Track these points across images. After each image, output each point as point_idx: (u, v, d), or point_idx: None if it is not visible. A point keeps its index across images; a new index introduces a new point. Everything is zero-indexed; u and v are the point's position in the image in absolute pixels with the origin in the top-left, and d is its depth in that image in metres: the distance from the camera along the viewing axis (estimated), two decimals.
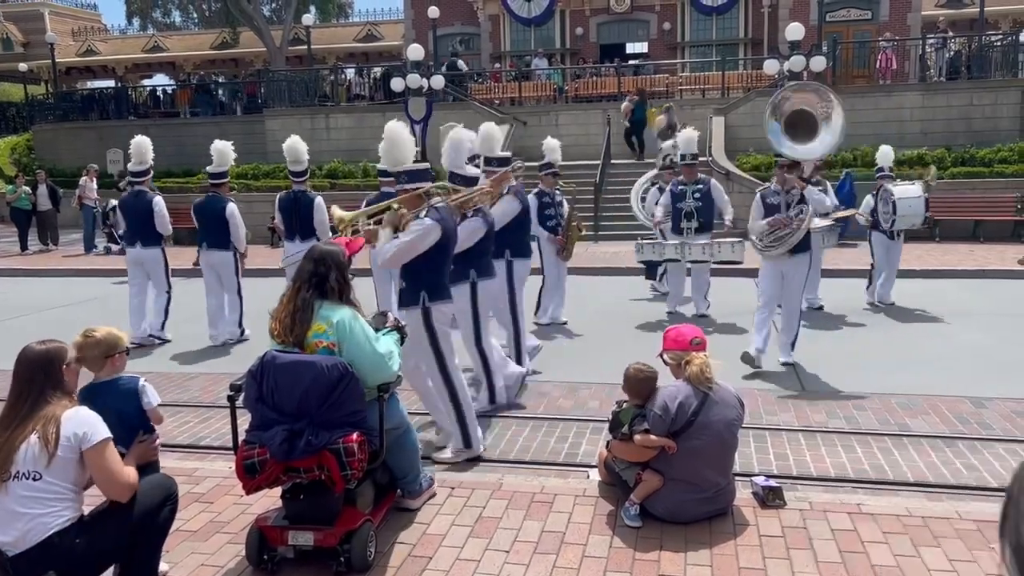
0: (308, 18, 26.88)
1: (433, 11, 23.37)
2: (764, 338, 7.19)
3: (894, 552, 3.73)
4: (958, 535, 3.86)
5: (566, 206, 9.08)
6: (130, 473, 3.25)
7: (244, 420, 3.74)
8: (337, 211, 5.22)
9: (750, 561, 3.69)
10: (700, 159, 10.36)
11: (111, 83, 35.87)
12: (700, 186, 9.26)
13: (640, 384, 4.26)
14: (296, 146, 8.86)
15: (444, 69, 22.47)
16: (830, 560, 3.67)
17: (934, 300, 10.09)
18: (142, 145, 8.94)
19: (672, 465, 4.05)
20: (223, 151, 8.80)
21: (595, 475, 4.67)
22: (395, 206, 5.01)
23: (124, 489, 3.20)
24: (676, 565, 3.67)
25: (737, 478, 4.40)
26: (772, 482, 4.33)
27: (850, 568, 3.60)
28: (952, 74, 20.95)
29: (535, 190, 8.92)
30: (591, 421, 5.91)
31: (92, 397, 3.58)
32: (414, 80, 18.33)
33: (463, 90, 22.88)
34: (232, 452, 3.78)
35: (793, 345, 7.36)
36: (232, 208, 8.77)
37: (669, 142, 11.01)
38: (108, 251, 16.86)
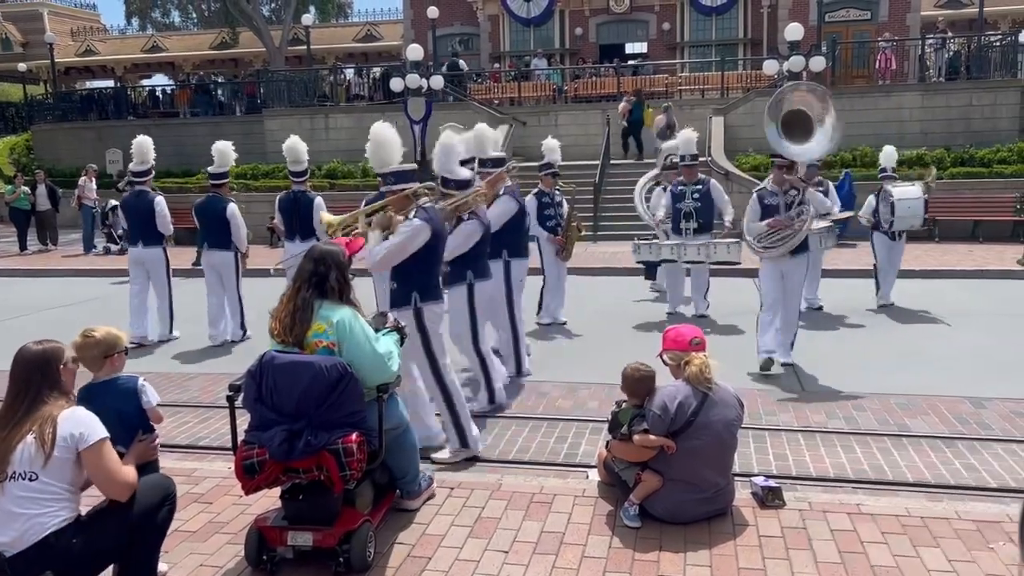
0: (307, 18, 26.88)
1: (432, 11, 23.38)
2: (771, 338, 7.17)
3: (893, 552, 3.72)
4: (957, 535, 3.86)
5: (566, 206, 9.08)
6: (129, 472, 3.25)
7: (243, 420, 3.73)
8: (325, 215, 5.22)
9: (749, 561, 3.68)
10: (700, 159, 10.36)
11: (110, 83, 35.89)
12: (699, 186, 9.26)
13: (637, 383, 4.26)
14: (296, 146, 8.87)
15: (445, 69, 22.48)
16: (829, 560, 3.67)
17: (933, 300, 10.09)
18: (144, 145, 8.95)
19: (671, 465, 4.05)
20: (224, 152, 8.82)
21: (594, 475, 4.66)
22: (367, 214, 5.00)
23: (123, 488, 3.20)
24: (675, 565, 3.67)
25: (736, 478, 4.40)
26: (771, 482, 4.33)
27: (849, 568, 3.60)
28: (951, 74, 20.96)
29: (535, 190, 8.93)
30: (590, 421, 5.91)
31: (91, 397, 3.58)
32: (413, 80, 18.34)
33: (463, 90, 22.89)
34: (231, 452, 3.77)
35: (792, 345, 7.36)
36: (233, 208, 8.79)
37: (670, 142, 11.01)
38: (107, 251, 16.87)
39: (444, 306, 5.28)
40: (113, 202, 17.10)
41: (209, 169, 9.04)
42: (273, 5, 40.30)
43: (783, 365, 7.28)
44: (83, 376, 3.66)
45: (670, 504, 4.03)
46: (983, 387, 6.55)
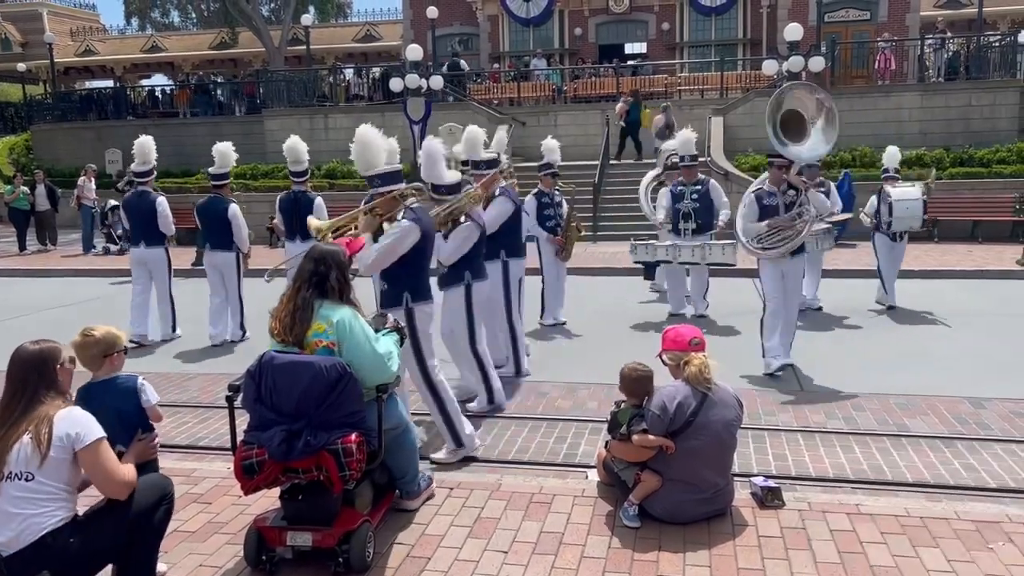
0: (307, 18, 26.89)
1: (432, 11, 23.39)
2: (778, 343, 7.14)
3: (892, 552, 3.73)
4: (956, 535, 3.86)
5: (565, 206, 9.08)
6: (128, 471, 3.25)
7: (243, 420, 3.73)
8: (313, 220, 5.22)
9: (749, 562, 3.69)
10: (700, 159, 10.36)
11: (109, 83, 35.88)
12: (699, 187, 9.27)
13: (635, 383, 4.27)
14: (296, 146, 8.89)
15: (446, 69, 22.49)
16: (829, 560, 3.67)
17: (933, 300, 10.09)
18: (145, 145, 8.96)
19: (671, 465, 4.05)
20: (225, 152, 8.84)
21: (594, 475, 4.67)
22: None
23: (122, 487, 3.20)
24: (675, 566, 3.67)
25: (736, 478, 4.40)
26: (771, 483, 4.33)
27: (849, 569, 3.60)
28: (950, 74, 20.97)
29: (534, 191, 8.93)
30: (590, 421, 5.91)
31: (90, 396, 3.59)
32: (413, 80, 18.34)
33: (462, 90, 22.90)
34: (231, 453, 3.77)
35: (790, 345, 7.35)
36: (234, 209, 8.82)
37: (670, 142, 11.01)
38: (107, 251, 16.86)
39: (434, 306, 5.29)
40: (113, 202, 17.12)
41: (210, 170, 9.06)
42: (272, 5, 40.33)
43: (783, 365, 7.27)
44: (83, 376, 3.66)
45: (669, 504, 4.03)
46: (982, 387, 6.55)
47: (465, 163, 7.04)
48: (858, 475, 4.96)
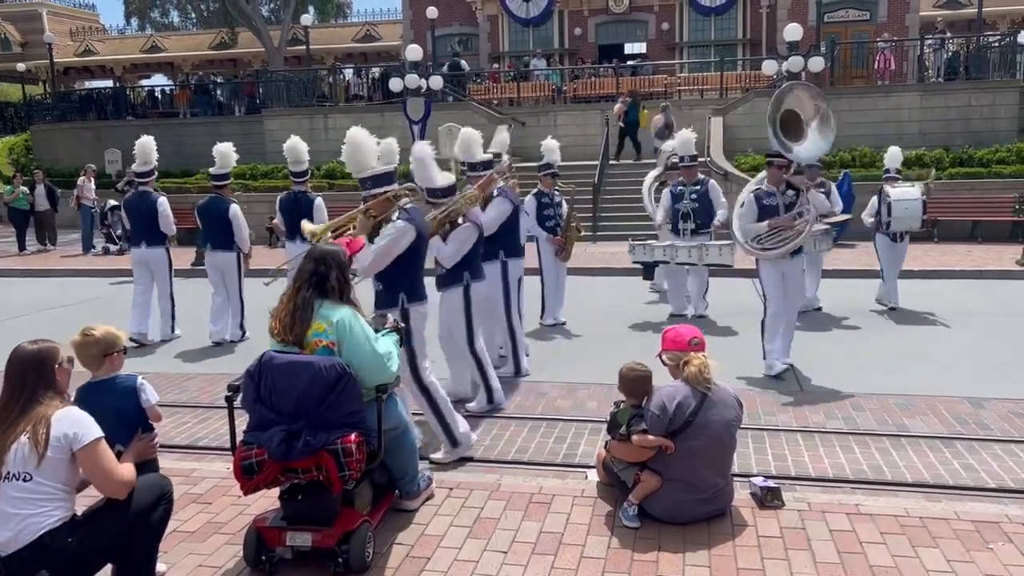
0: (306, 18, 26.90)
1: (431, 11, 23.39)
2: (781, 345, 7.13)
3: (892, 553, 3.73)
4: (956, 536, 3.86)
5: (565, 207, 9.08)
6: (126, 470, 3.25)
7: (242, 421, 3.73)
8: (307, 225, 5.22)
9: (748, 562, 3.69)
10: (700, 159, 10.36)
11: (109, 83, 35.89)
12: (698, 187, 9.27)
13: (633, 383, 4.27)
14: (297, 147, 8.90)
15: (446, 69, 22.48)
16: (828, 561, 3.67)
17: (932, 300, 10.09)
18: (147, 146, 8.98)
19: (670, 466, 4.05)
20: (225, 153, 8.86)
21: (593, 475, 4.67)
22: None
23: (120, 486, 3.20)
24: (674, 566, 3.67)
25: (735, 479, 4.40)
26: (770, 483, 4.33)
27: (848, 569, 3.60)
28: (950, 75, 20.98)
29: (534, 191, 8.93)
30: (589, 421, 5.91)
31: (90, 395, 3.59)
32: (412, 80, 18.33)
33: (462, 90, 22.90)
34: (230, 453, 3.77)
35: (789, 345, 7.34)
36: (235, 209, 8.84)
37: (669, 143, 11.00)
38: (106, 251, 16.85)
39: (428, 306, 5.31)
40: (112, 202, 17.11)
41: (211, 170, 9.08)
42: (272, 5, 40.34)
43: (785, 368, 7.26)
44: (82, 375, 3.66)
45: (669, 504, 4.03)
46: (982, 387, 6.55)
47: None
48: (858, 475, 4.96)
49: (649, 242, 9.54)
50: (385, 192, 4.95)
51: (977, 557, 3.66)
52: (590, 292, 11.09)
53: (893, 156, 10.03)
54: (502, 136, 8.32)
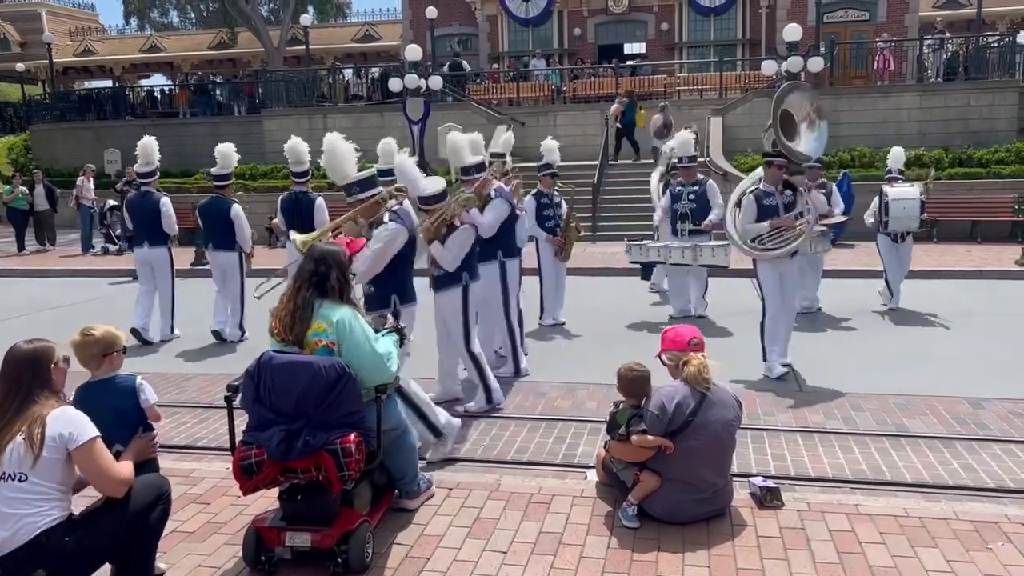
0: (306, 18, 26.89)
1: (431, 11, 23.40)
2: (782, 347, 7.11)
3: (891, 553, 3.73)
4: (955, 536, 3.86)
5: (564, 207, 9.08)
6: (124, 468, 3.25)
7: (241, 421, 3.73)
8: (296, 236, 5.20)
9: (748, 562, 3.69)
10: (699, 159, 10.36)
11: (108, 83, 35.88)
12: (696, 187, 9.27)
13: (632, 383, 4.27)
14: (297, 147, 8.91)
15: (447, 69, 22.47)
16: (828, 561, 3.67)
17: (932, 300, 10.09)
18: (148, 146, 9.00)
19: (670, 466, 4.05)
20: (227, 153, 8.90)
21: (593, 476, 4.67)
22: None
23: (118, 485, 3.19)
24: (674, 566, 3.67)
25: (735, 479, 4.40)
26: (770, 483, 4.33)
27: (848, 569, 3.60)
28: (949, 75, 20.99)
29: (534, 191, 8.92)
30: (589, 422, 5.91)
31: (89, 395, 3.59)
32: (412, 80, 18.34)
33: (461, 90, 22.89)
34: (229, 453, 3.77)
35: (787, 345, 7.34)
36: (237, 209, 8.87)
37: (668, 143, 11.00)
38: (105, 251, 16.85)
39: (418, 307, 5.31)
40: (111, 202, 17.11)
41: (212, 171, 9.12)
42: (272, 5, 40.33)
43: (784, 370, 7.26)
44: (81, 375, 3.66)
45: (668, 504, 4.03)
46: (981, 387, 6.55)
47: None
48: (857, 475, 4.96)
49: (645, 242, 9.57)
50: (372, 195, 4.96)
51: (976, 557, 3.66)
52: (589, 292, 11.08)
53: (896, 156, 10.01)
54: (506, 137, 8.30)
